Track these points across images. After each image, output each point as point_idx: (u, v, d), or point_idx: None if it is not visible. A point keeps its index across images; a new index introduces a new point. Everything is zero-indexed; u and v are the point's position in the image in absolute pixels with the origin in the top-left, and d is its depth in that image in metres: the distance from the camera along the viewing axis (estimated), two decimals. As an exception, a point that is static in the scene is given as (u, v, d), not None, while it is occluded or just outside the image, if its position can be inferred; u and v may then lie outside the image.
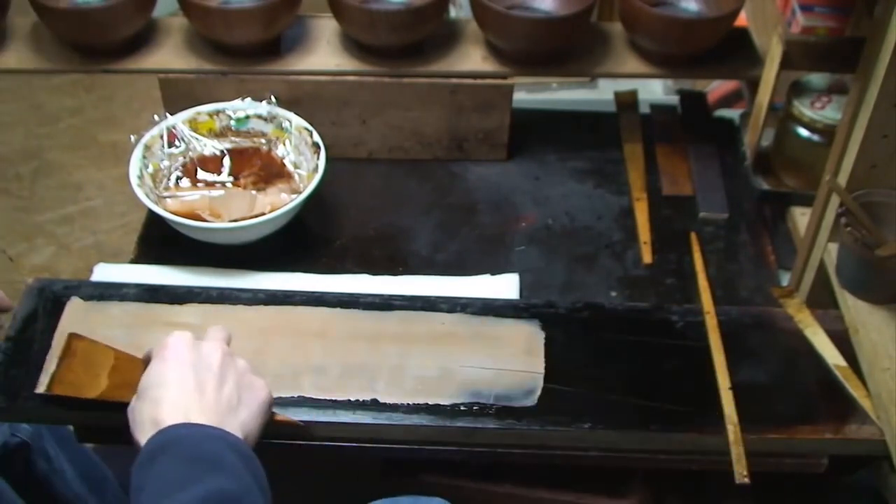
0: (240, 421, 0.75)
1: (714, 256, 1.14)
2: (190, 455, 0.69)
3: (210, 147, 1.16)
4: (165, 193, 1.13)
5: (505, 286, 1.08)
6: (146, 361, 0.81)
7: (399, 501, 0.86)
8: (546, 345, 0.95)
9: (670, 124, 1.33)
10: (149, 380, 0.76)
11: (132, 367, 0.85)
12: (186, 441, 0.70)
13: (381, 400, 0.89)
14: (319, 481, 1.11)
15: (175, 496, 0.66)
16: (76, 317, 0.95)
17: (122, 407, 0.79)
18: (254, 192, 1.13)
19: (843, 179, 0.93)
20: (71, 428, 0.95)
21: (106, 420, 0.88)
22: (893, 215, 0.94)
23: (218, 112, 1.17)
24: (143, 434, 0.72)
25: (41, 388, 0.86)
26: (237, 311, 0.97)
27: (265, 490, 0.71)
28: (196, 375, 0.76)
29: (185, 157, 1.16)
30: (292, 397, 0.89)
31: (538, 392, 0.90)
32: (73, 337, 0.86)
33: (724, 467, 0.87)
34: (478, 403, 0.89)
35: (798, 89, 1.15)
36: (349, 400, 0.89)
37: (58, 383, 0.85)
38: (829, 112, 1.11)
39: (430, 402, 0.89)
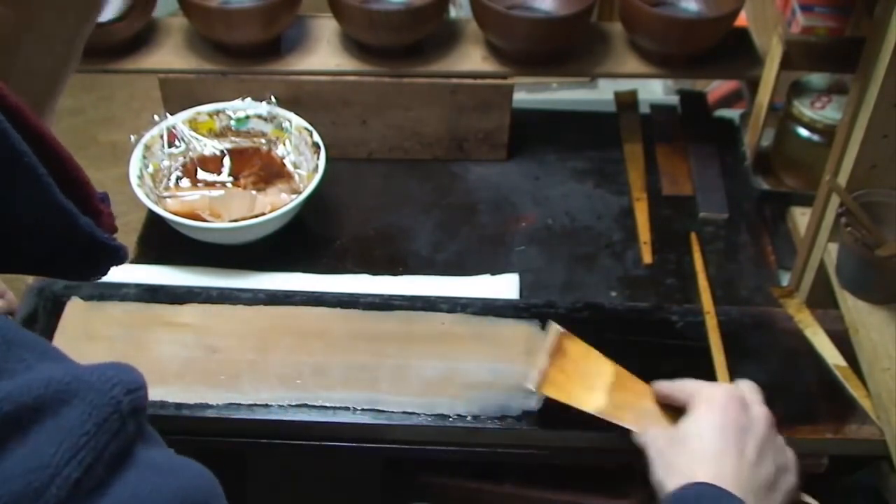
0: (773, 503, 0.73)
1: (714, 256, 1.14)
2: None
3: (210, 147, 1.16)
4: (165, 193, 1.13)
5: (505, 286, 1.08)
6: (668, 396, 0.80)
7: None
8: (546, 345, 0.95)
9: (670, 124, 1.33)
10: (692, 429, 0.76)
11: (635, 389, 0.84)
12: (706, 500, 0.69)
13: (381, 400, 0.89)
14: (319, 481, 1.11)
15: None
16: (76, 317, 0.95)
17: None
18: (254, 192, 1.13)
19: (843, 179, 0.93)
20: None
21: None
22: (893, 215, 0.94)
23: (218, 112, 1.17)
24: (671, 480, 0.72)
25: (531, 385, 0.84)
26: (237, 311, 0.97)
27: None
28: (741, 440, 0.74)
29: (185, 157, 1.16)
30: (292, 398, 0.89)
31: (541, 395, 0.90)
32: (563, 337, 0.85)
33: (725, 467, 0.86)
34: (477, 403, 0.89)
35: (798, 89, 1.15)
36: (349, 400, 0.89)
37: (549, 383, 0.83)
38: (829, 112, 1.11)
39: (430, 402, 0.89)
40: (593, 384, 0.85)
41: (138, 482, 0.41)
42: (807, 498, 0.81)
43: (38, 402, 0.38)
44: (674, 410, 0.83)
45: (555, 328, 0.87)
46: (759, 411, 0.78)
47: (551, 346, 0.85)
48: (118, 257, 0.50)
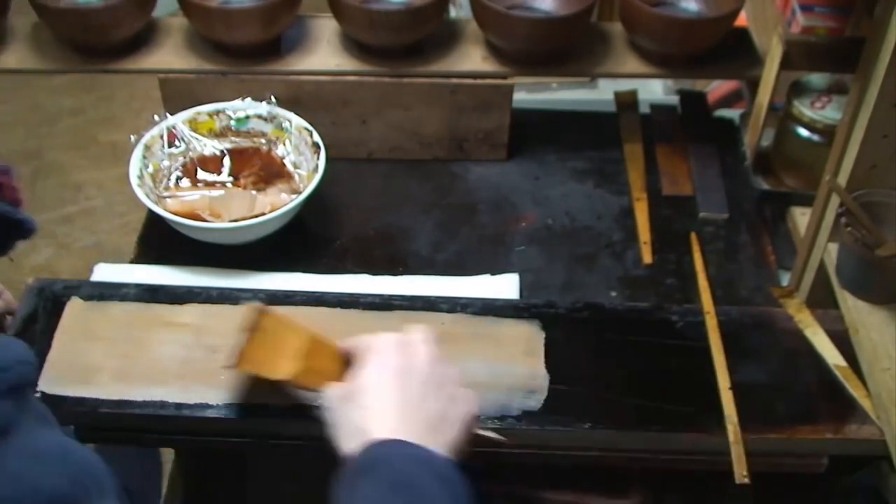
0: (446, 439, 0.75)
1: (714, 256, 1.14)
2: (394, 483, 0.68)
3: (210, 147, 1.16)
4: (165, 193, 1.13)
5: (505, 286, 1.08)
6: (346, 356, 0.80)
7: None
8: (546, 345, 0.95)
9: (670, 124, 1.33)
10: (358, 383, 0.76)
11: (325, 353, 0.84)
12: (392, 463, 0.70)
13: (381, 400, 0.89)
14: (319, 481, 1.11)
15: None
16: (76, 317, 0.95)
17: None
18: (254, 192, 1.13)
19: (843, 179, 0.93)
20: (71, 428, 0.95)
21: (106, 420, 0.88)
22: (893, 215, 0.94)
23: (218, 112, 1.17)
24: (348, 440, 0.73)
25: (229, 363, 0.83)
26: (237, 311, 0.97)
27: None
28: (406, 385, 0.75)
29: (185, 157, 1.16)
30: (292, 397, 0.89)
31: (541, 394, 0.90)
32: (262, 313, 0.84)
33: (724, 467, 0.87)
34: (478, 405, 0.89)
35: (798, 89, 1.15)
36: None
37: (246, 360, 0.83)
38: (829, 112, 1.11)
39: (430, 402, 0.89)
40: (289, 354, 0.84)
41: (13, 469, 0.40)
42: (487, 432, 0.84)
43: None
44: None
45: (251, 305, 0.86)
46: (421, 350, 0.78)
47: (248, 324, 0.84)
48: (23, 229, 0.49)
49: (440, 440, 0.74)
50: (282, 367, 0.83)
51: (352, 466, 0.71)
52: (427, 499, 0.68)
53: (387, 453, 0.71)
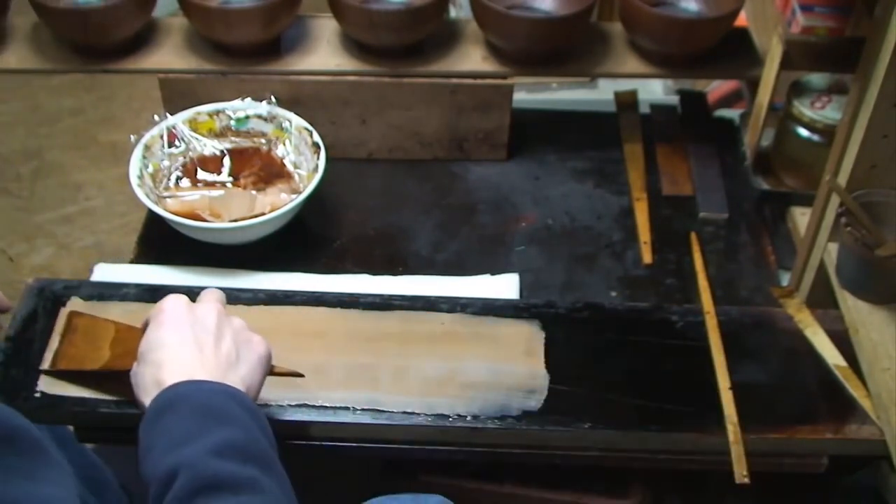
0: (240, 375, 0.76)
1: (714, 256, 1.14)
2: (196, 409, 0.70)
3: (210, 147, 1.16)
4: (165, 193, 1.13)
5: (505, 286, 1.08)
6: (145, 329, 0.81)
7: (399, 499, 0.86)
8: (546, 345, 0.95)
9: (670, 124, 1.33)
10: (148, 343, 0.77)
11: (133, 337, 0.85)
12: (191, 397, 0.71)
13: (381, 400, 0.89)
14: (319, 481, 1.11)
15: (184, 449, 0.67)
16: (76, 317, 0.96)
17: (122, 388, 0.81)
18: (254, 192, 1.13)
19: (843, 179, 0.93)
20: (71, 428, 0.95)
21: (106, 420, 0.88)
22: (893, 215, 0.94)
23: (218, 112, 1.17)
24: (147, 396, 0.73)
25: (45, 365, 0.88)
26: (237, 311, 0.97)
27: (271, 439, 0.72)
28: (194, 335, 0.76)
29: (185, 157, 1.16)
30: (292, 397, 0.89)
31: (541, 394, 0.90)
32: (73, 314, 0.89)
33: (724, 467, 0.87)
34: (477, 403, 0.89)
35: (798, 89, 1.15)
36: (349, 400, 0.89)
37: (61, 358, 0.87)
38: (829, 112, 1.11)
39: (430, 402, 0.89)
40: (99, 346, 0.88)
41: None
42: (284, 367, 0.85)
43: None
44: None
45: (64, 310, 0.91)
46: (206, 307, 0.80)
47: (61, 327, 0.89)
48: None
49: (234, 378, 0.75)
50: (95, 357, 0.87)
51: (150, 411, 0.72)
52: (233, 419, 0.70)
53: (185, 390, 0.72)
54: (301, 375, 0.86)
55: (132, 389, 0.77)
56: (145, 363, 0.76)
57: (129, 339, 0.86)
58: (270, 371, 0.82)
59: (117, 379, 0.84)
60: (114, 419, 0.88)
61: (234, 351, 0.77)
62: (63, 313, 0.91)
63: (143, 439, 0.70)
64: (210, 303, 0.81)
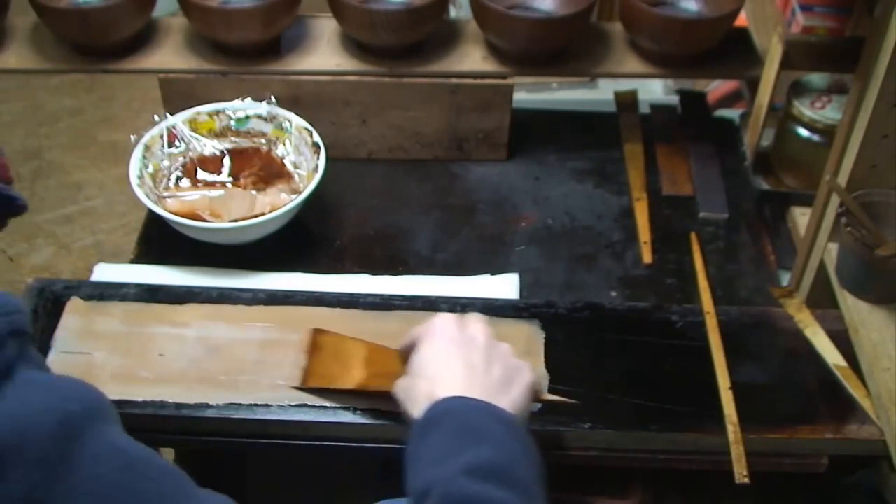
0: (510, 399, 0.76)
1: (714, 256, 1.14)
2: (459, 427, 0.70)
3: (210, 147, 1.16)
4: (165, 193, 1.13)
5: (505, 286, 1.08)
6: (406, 349, 0.83)
7: (401, 502, 0.86)
8: (546, 345, 0.95)
9: (670, 124, 1.33)
10: (421, 359, 0.78)
11: (387, 357, 0.88)
12: (457, 413, 0.72)
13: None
14: (319, 481, 1.11)
15: (440, 467, 0.67)
16: (76, 317, 0.95)
17: (372, 396, 0.85)
18: (254, 192, 1.13)
19: (843, 179, 0.93)
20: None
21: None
22: (893, 215, 0.94)
23: (218, 112, 1.17)
24: (418, 408, 0.74)
25: (296, 383, 0.89)
26: (237, 311, 0.97)
27: (534, 465, 0.71)
28: (467, 354, 0.77)
29: (185, 157, 1.16)
30: (292, 397, 0.89)
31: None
32: (317, 332, 0.91)
33: (724, 467, 0.87)
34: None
35: (798, 89, 1.15)
36: (349, 400, 0.89)
37: (312, 376, 0.89)
38: (829, 112, 1.11)
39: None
40: (350, 365, 0.89)
41: (21, 395, 0.42)
42: (552, 396, 0.87)
43: None
44: None
45: (308, 329, 0.92)
46: (477, 327, 0.81)
47: (307, 345, 0.90)
48: (14, 206, 0.50)
49: (505, 401, 0.75)
50: (349, 377, 0.88)
51: (418, 424, 0.73)
52: (495, 439, 0.69)
53: (452, 406, 0.73)
54: (575, 402, 0.87)
55: (395, 403, 0.79)
56: (419, 377, 0.77)
57: (383, 359, 0.88)
58: (537, 398, 0.82)
59: (367, 396, 0.87)
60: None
61: (505, 375, 0.78)
62: (307, 332, 0.92)
63: (409, 452, 0.71)
64: (480, 323, 0.82)
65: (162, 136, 1.14)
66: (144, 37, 1.24)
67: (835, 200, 0.95)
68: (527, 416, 0.78)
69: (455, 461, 0.67)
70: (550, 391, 0.90)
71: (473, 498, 0.65)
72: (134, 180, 1.09)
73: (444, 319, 0.81)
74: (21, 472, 0.40)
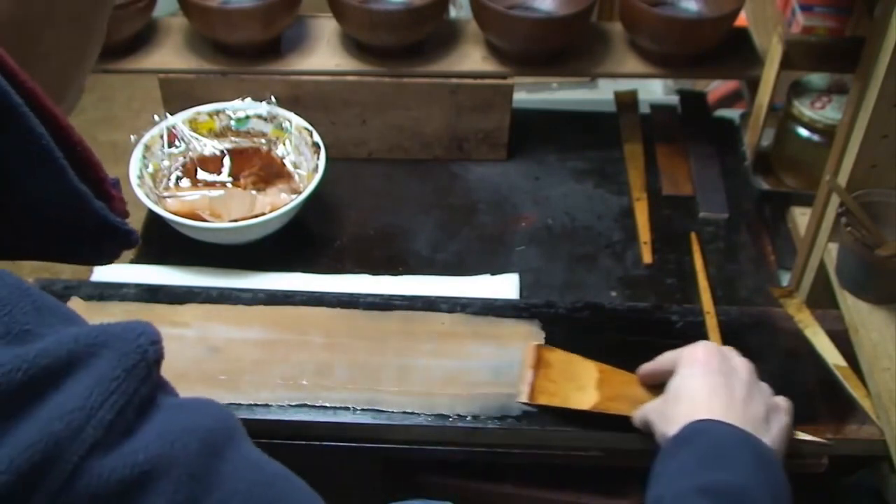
0: (770, 436, 0.77)
1: (714, 256, 1.14)
2: (708, 446, 0.71)
3: (210, 147, 1.16)
4: (165, 193, 1.13)
5: (505, 286, 1.08)
6: (653, 374, 0.85)
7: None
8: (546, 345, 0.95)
9: (670, 124, 1.33)
10: (683, 385, 0.80)
11: (623, 381, 0.88)
12: (710, 433, 0.73)
13: (382, 400, 0.89)
14: (319, 481, 1.11)
15: (678, 481, 0.68)
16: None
17: (617, 420, 0.85)
18: (254, 192, 1.13)
19: (843, 179, 0.93)
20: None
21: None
22: (893, 215, 0.94)
23: (218, 112, 1.17)
24: (673, 429, 0.76)
25: (523, 398, 0.88)
26: (237, 311, 0.97)
27: (779, 497, 0.71)
28: (731, 385, 0.78)
29: (185, 157, 1.16)
30: (292, 397, 0.89)
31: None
32: (542, 349, 0.91)
33: (725, 467, 0.86)
34: (477, 403, 0.89)
35: (798, 89, 1.15)
36: (349, 400, 0.89)
37: (540, 393, 0.88)
38: (829, 112, 1.11)
39: (430, 403, 0.89)
40: (582, 385, 0.89)
41: (167, 417, 0.44)
42: (806, 436, 0.86)
43: (71, 355, 0.41)
44: (661, 389, 0.85)
45: (532, 344, 0.92)
46: (740, 360, 0.82)
47: (532, 360, 0.90)
48: (129, 241, 0.52)
49: (765, 434, 0.76)
50: (580, 397, 0.88)
51: (670, 442, 0.74)
52: (736, 464, 0.70)
53: (708, 427, 0.73)
54: (826, 443, 0.87)
55: (634, 428, 0.82)
56: (678, 401, 0.78)
57: (616, 380, 0.88)
58: (791, 438, 0.82)
59: (597, 418, 0.87)
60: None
61: (766, 413, 0.78)
62: (530, 347, 0.92)
63: (656, 468, 0.73)
64: (742, 358, 0.83)
65: (162, 136, 1.14)
66: (144, 37, 1.24)
67: (835, 200, 0.95)
68: (783, 456, 0.78)
69: (693, 477, 0.68)
70: (551, 391, 0.90)
71: None
72: (134, 180, 1.09)
73: (708, 349, 0.82)
74: (171, 488, 0.42)
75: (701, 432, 0.73)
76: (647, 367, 0.86)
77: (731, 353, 0.84)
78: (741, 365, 0.81)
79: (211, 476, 0.44)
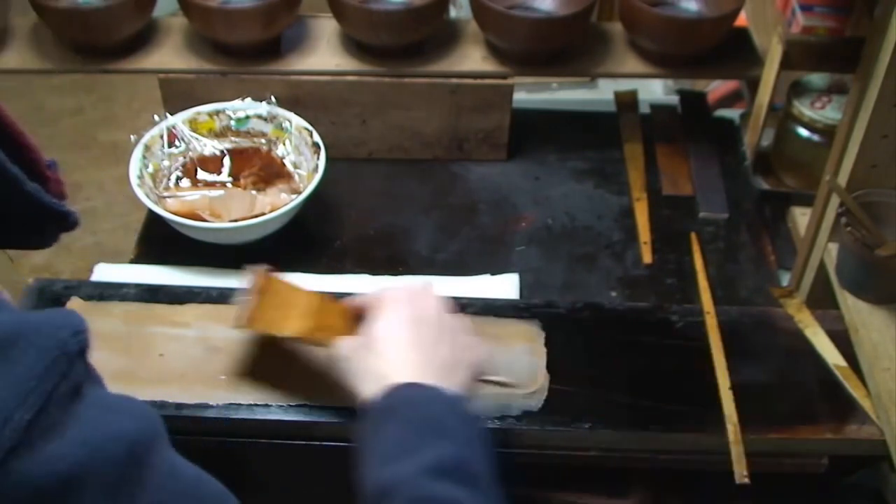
0: (460, 380, 0.77)
1: (714, 256, 1.14)
2: (416, 420, 0.71)
3: (210, 147, 1.16)
4: (165, 193, 1.13)
5: (505, 286, 1.08)
6: (355, 312, 0.83)
7: None
8: (546, 345, 0.95)
9: (670, 124, 1.33)
10: (374, 331, 0.79)
11: (336, 312, 0.86)
12: (413, 404, 0.72)
13: (381, 400, 0.89)
14: (319, 481, 1.11)
15: (399, 465, 0.67)
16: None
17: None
18: (254, 192, 1.13)
19: (843, 179, 0.93)
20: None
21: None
22: (893, 215, 0.94)
23: (218, 112, 1.17)
24: (364, 383, 0.76)
25: (239, 323, 0.85)
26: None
27: (488, 450, 0.72)
28: (419, 331, 0.78)
29: (185, 157, 1.16)
30: (292, 397, 0.89)
31: (541, 394, 0.90)
32: (268, 275, 0.87)
33: (724, 467, 0.87)
34: (477, 403, 0.89)
35: (798, 89, 1.15)
36: (349, 400, 0.89)
37: (256, 320, 0.85)
38: (829, 112, 1.11)
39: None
40: (297, 313, 0.87)
41: (92, 419, 0.42)
42: (494, 377, 0.87)
43: None
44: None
45: (258, 268, 0.87)
46: (430, 301, 0.81)
47: (256, 286, 0.86)
48: (68, 223, 0.51)
49: (453, 383, 0.76)
50: (291, 324, 0.85)
51: (374, 411, 0.73)
52: (449, 432, 0.70)
53: (408, 395, 0.73)
54: (513, 383, 0.87)
55: (338, 367, 0.80)
56: (368, 350, 0.78)
57: (329, 311, 0.86)
58: (480, 378, 0.82)
59: (305, 346, 0.86)
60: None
61: (457, 353, 0.79)
62: (257, 273, 0.87)
63: (363, 441, 0.71)
64: (432, 297, 0.82)
65: (162, 136, 1.14)
66: (144, 37, 1.24)
67: (835, 200, 0.95)
68: (471, 394, 0.79)
69: (415, 459, 0.67)
70: (550, 391, 0.90)
71: (438, 500, 0.65)
72: (134, 180, 1.09)
73: (399, 294, 0.81)
74: (95, 497, 0.41)
75: (404, 402, 0.72)
76: (355, 300, 0.85)
77: (424, 293, 0.82)
78: (430, 306, 0.80)
79: (134, 485, 0.44)
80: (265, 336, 0.91)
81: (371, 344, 0.78)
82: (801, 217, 1.13)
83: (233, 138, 1.18)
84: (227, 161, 1.16)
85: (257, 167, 1.16)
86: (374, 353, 0.77)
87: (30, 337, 0.41)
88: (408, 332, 0.78)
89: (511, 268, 1.11)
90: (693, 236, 1.16)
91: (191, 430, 0.90)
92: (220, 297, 0.98)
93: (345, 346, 0.80)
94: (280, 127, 1.17)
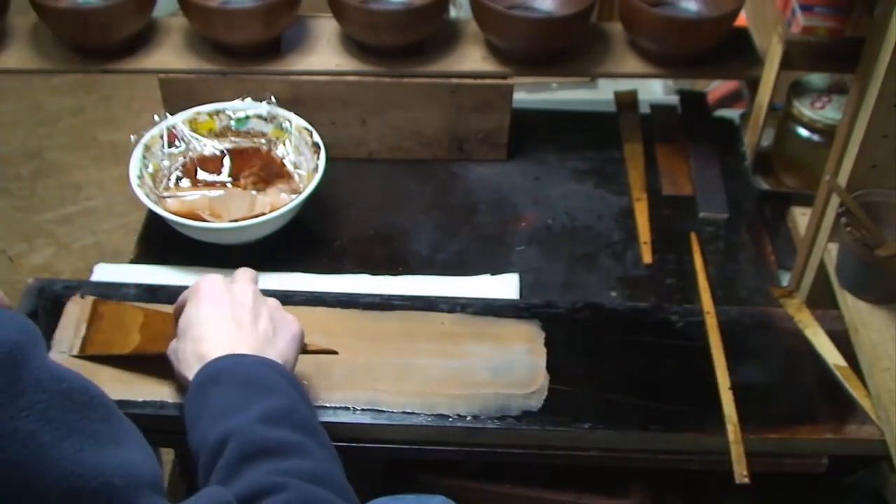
0: (278, 350, 0.79)
1: (714, 256, 1.14)
2: (240, 381, 0.73)
3: (210, 147, 1.16)
4: (165, 193, 1.13)
5: (505, 286, 1.08)
6: (178, 310, 0.84)
7: (402, 499, 0.86)
8: (546, 345, 0.95)
9: (670, 124, 1.33)
10: (188, 320, 0.81)
11: (163, 321, 0.88)
12: (234, 369, 0.75)
13: (381, 400, 0.89)
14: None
15: (232, 418, 0.70)
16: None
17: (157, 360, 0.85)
18: (254, 192, 1.13)
19: (843, 179, 0.93)
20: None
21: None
22: (893, 215, 0.94)
23: (218, 112, 1.17)
24: (189, 370, 0.77)
25: (74, 351, 0.89)
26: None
27: (312, 408, 0.77)
28: (233, 312, 0.80)
29: (185, 157, 1.16)
30: (292, 397, 0.89)
31: (541, 394, 0.90)
32: (97, 302, 0.91)
33: (724, 467, 0.87)
34: (477, 403, 0.89)
35: (798, 89, 1.15)
36: (349, 400, 0.89)
37: (90, 344, 0.89)
38: (829, 112, 1.11)
39: (430, 402, 0.89)
40: (128, 331, 0.90)
41: None
42: (317, 344, 0.88)
43: None
44: None
45: (86, 299, 0.93)
46: (242, 286, 0.83)
47: (87, 315, 0.91)
48: None
49: (273, 352, 0.78)
50: (124, 341, 0.89)
51: (195, 383, 0.75)
52: (274, 388, 0.73)
53: (227, 363, 0.75)
54: (335, 352, 0.88)
55: (171, 367, 0.81)
56: (186, 339, 0.80)
57: (158, 323, 0.89)
58: (304, 349, 0.84)
59: (146, 362, 0.87)
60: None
61: (271, 328, 0.81)
62: (87, 302, 0.93)
63: (190, 411, 0.73)
64: (246, 283, 0.84)
65: (162, 136, 1.14)
66: (144, 37, 1.24)
67: (835, 200, 0.95)
68: (294, 364, 0.81)
69: (246, 411, 0.70)
70: (550, 391, 0.90)
71: (272, 441, 0.68)
72: (134, 180, 1.09)
73: (210, 281, 0.83)
74: None
75: (224, 369, 0.74)
76: (178, 302, 0.86)
77: (237, 280, 0.84)
78: (243, 291, 0.82)
79: (15, 386, 0.48)
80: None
81: (186, 332, 0.80)
82: (801, 217, 1.13)
83: (233, 138, 1.18)
84: (227, 161, 1.16)
85: (257, 167, 1.16)
86: (190, 339, 0.79)
87: None
88: (219, 313, 0.79)
89: (511, 268, 1.12)
90: (693, 236, 1.16)
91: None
92: (220, 297, 0.98)
93: (170, 347, 0.83)
94: (280, 127, 1.17)
